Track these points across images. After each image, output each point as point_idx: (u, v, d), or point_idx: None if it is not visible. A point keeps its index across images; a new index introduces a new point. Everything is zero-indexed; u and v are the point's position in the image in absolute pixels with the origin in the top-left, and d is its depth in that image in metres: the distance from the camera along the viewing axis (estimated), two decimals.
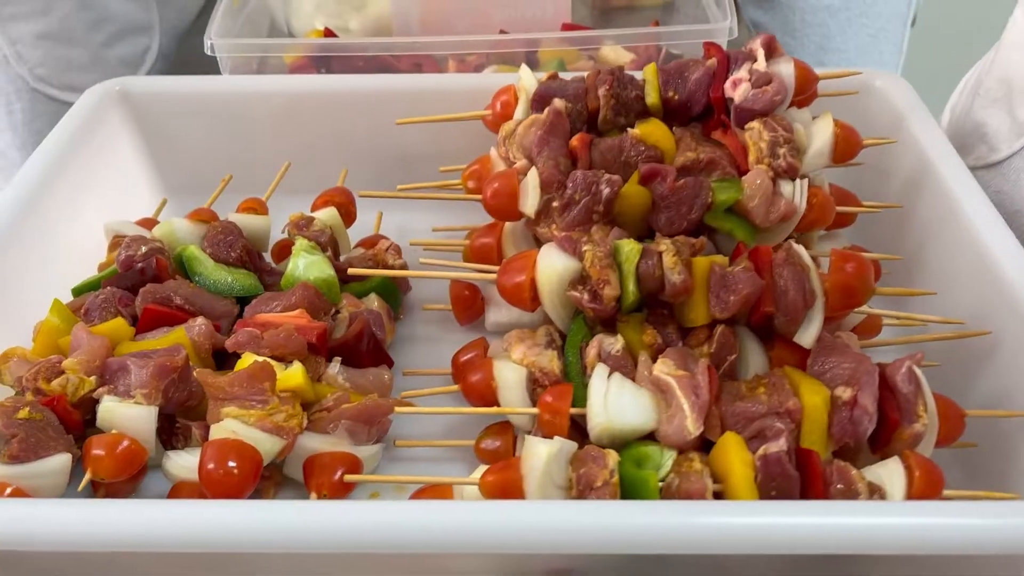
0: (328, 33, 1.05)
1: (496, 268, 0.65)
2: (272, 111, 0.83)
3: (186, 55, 1.26)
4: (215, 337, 0.62)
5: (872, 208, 0.70)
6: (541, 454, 0.50)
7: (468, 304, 0.71)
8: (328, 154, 0.83)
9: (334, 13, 1.16)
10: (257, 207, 0.76)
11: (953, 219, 0.67)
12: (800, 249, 0.57)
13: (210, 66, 0.93)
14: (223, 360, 0.63)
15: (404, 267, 0.73)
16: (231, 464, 0.53)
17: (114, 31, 1.06)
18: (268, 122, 0.83)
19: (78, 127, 0.77)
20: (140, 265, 0.66)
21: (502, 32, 1.06)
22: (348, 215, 0.76)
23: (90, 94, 0.81)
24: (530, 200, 0.65)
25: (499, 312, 0.70)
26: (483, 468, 0.55)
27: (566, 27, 1.06)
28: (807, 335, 0.56)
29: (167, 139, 0.84)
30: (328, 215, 0.73)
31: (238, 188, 0.81)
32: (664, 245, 0.58)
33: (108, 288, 0.65)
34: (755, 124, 0.68)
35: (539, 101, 0.73)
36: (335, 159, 0.83)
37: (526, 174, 0.67)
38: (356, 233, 0.78)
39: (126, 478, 0.55)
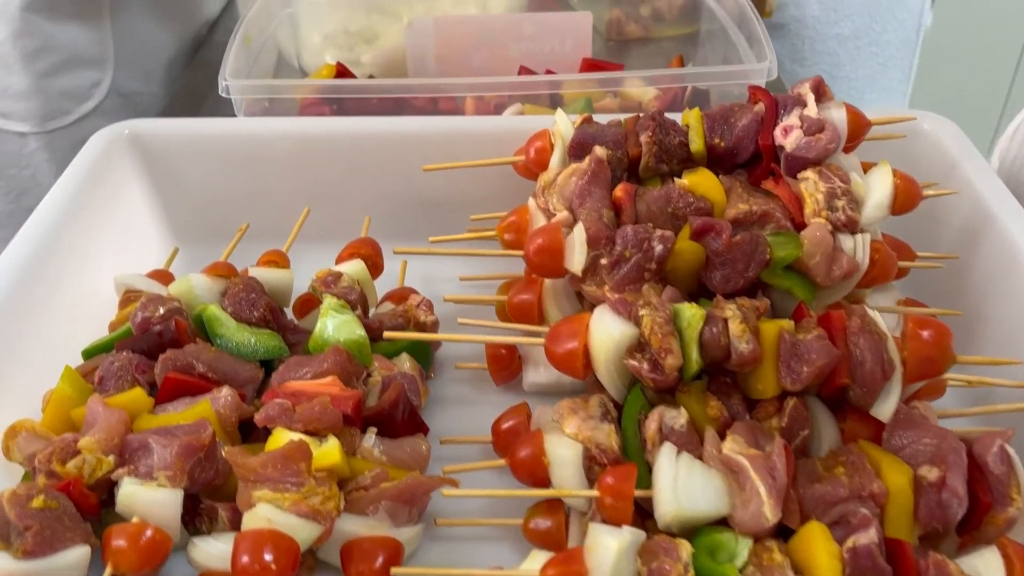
0: (340, 68, 1.01)
1: (540, 329, 0.61)
2: (289, 154, 0.79)
3: (178, 91, 1.21)
4: (242, 408, 0.57)
5: (930, 263, 0.67)
6: (610, 547, 0.46)
7: (505, 364, 0.67)
8: (349, 199, 0.79)
9: (344, 46, 1.12)
10: (278, 260, 0.71)
11: (1018, 271, 0.64)
12: (875, 316, 0.54)
13: (204, 102, 0.88)
14: (248, 430, 0.59)
15: (436, 324, 0.69)
16: (267, 558, 0.48)
17: (57, 62, 1.02)
18: (285, 166, 0.79)
19: (85, 175, 0.73)
20: (158, 328, 0.61)
21: (523, 70, 1.02)
22: (375, 267, 0.72)
23: (97, 139, 0.76)
24: (576, 257, 0.61)
25: (538, 372, 0.66)
26: (537, 554, 0.50)
27: (587, 62, 1.03)
28: (885, 408, 0.52)
29: (178, 185, 0.79)
30: (355, 269, 0.69)
31: (254, 234, 0.77)
32: (730, 311, 0.54)
33: (124, 353, 0.61)
34: (809, 174, 0.64)
35: (577, 148, 0.70)
36: (356, 204, 0.79)
37: (571, 228, 0.63)
38: (380, 280, 0.73)
39: (149, 570, 0.51)
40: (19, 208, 1.08)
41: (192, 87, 1.13)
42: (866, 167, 0.69)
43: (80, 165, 0.74)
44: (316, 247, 0.75)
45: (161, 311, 0.62)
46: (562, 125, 0.71)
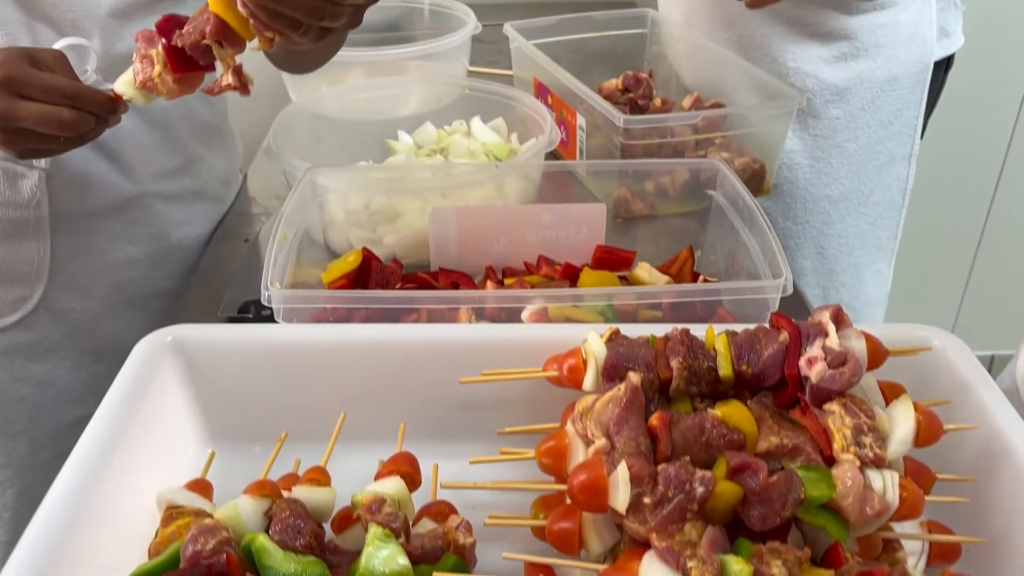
0: (367, 253, 1.05)
1: (589, 566, 0.63)
2: (325, 360, 0.81)
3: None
4: None
5: (951, 496, 0.70)
6: None
7: None
8: (384, 403, 0.82)
9: (366, 225, 1.17)
10: (320, 478, 0.73)
11: None
12: (913, 572, 0.56)
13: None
14: None
15: (474, 545, 0.70)
16: None
17: None
18: (321, 370, 0.81)
19: (131, 387, 0.75)
20: (208, 562, 0.62)
21: (542, 259, 1.07)
22: (413, 483, 0.73)
23: (142, 348, 0.79)
24: (620, 496, 0.63)
25: None
26: None
27: (600, 249, 1.08)
28: None
29: (216, 388, 0.81)
30: (395, 489, 0.70)
31: (290, 436, 0.79)
32: (776, 568, 0.56)
33: None
34: (835, 407, 0.68)
35: (610, 371, 0.73)
36: (391, 408, 0.81)
37: (608, 455, 0.66)
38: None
39: None
40: None
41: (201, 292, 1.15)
42: (882, 385, 0.73)
43: (126, 377, 0.75)
44: (352, 451, 0.77)
45: (212, 544, 0.63)
46: (594, 344, 0.75)
